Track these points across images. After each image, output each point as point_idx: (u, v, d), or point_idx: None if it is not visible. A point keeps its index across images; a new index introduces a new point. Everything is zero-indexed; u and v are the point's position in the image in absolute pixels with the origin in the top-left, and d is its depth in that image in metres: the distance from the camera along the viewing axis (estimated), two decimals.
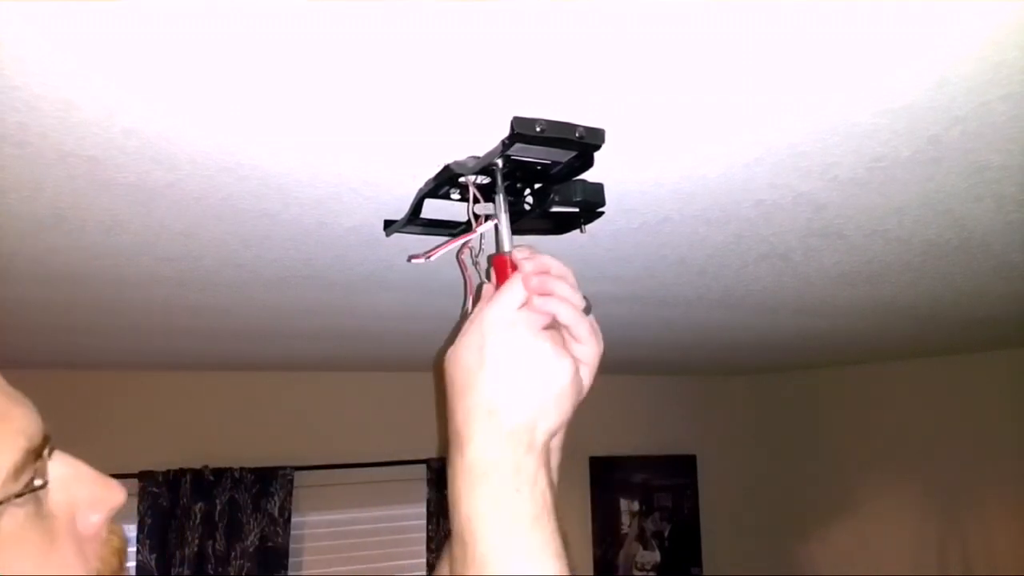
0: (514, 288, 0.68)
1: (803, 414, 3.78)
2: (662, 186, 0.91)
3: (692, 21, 0.55)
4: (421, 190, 0.86)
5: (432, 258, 0.87)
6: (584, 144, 0.70)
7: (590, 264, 1.31)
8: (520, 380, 0.64)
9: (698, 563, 3.86)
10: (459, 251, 0.87)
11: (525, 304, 0.68)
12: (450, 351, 0.69)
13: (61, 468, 0.50)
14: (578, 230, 0.90)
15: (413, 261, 0.91)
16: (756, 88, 0.66)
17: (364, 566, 3.14)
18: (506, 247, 0.75)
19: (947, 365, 3.04)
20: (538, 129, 0.67)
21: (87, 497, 0.51)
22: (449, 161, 0.79)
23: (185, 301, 1.53)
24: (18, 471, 0.46)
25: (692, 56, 0.60)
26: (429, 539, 3.20)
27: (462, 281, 0.85)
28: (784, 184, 0.91)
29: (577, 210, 0.86)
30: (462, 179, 0.79)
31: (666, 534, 3.83)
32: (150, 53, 0.58)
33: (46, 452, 0.49)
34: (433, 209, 0.88)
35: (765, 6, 0.53)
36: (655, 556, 3.78)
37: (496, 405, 0.64)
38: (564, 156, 0.73)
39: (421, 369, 3.31)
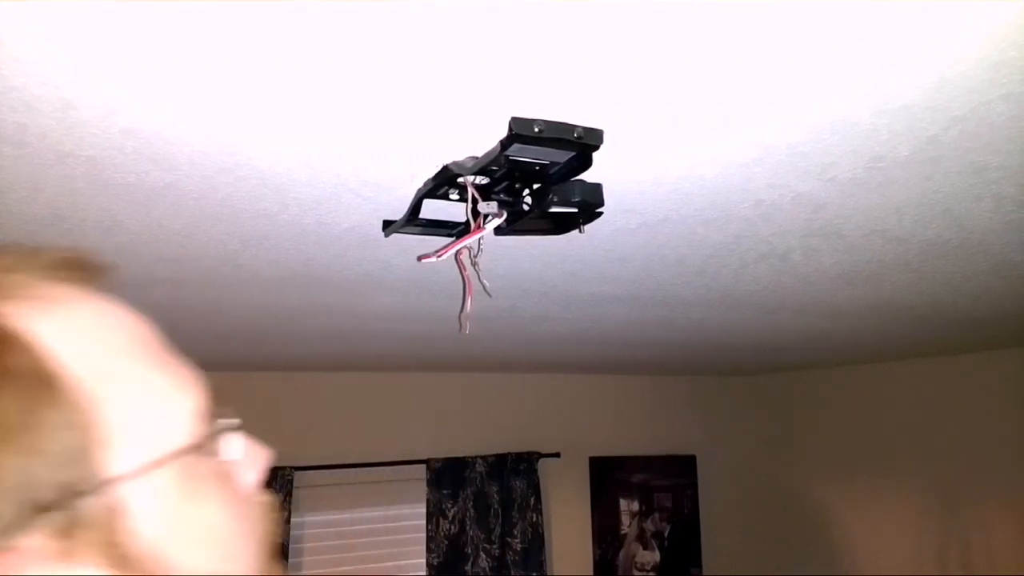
0: None
1: (803, 414, 3.78)
2: (661, 186, 0.91)
3: (691, 22, 0.55)
4: (420, 190, 0.86)
5: (442, 257, 0.87)
6: (582, 144, 0.70)
7: (589, 264, 1.31)
8: None
9: (698, 563, 3.86)
10: (458, 251, 0.87)
11: None
12: None
13: None
14: (577, 230, 0.90)
15: (423, 260, 0.91)
16: (754, 88, 0.66)
17: (363, 566, 3.14)
18: None
19: (946, 365, 3.04)
20: (536, 130, 0.67)
21: (244, 455, 0.49)
22: (448, 161, 0.79)
23: (183, 302, 1.53)
24: (205, 415, 0.44)
25: (690, 56, 0.60)
26: (428, 539, 3.20)
27: (461, 281, 0.85)
28: (783, 184, 0.91)
29: (576, 210, 0.86)
30: (461, 179, 0.79)
31: (666, 534, 3.83)
32: (149, 54, 0.58)
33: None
34: (432, 209, 0.88)
35: (763, 7, 0.53)
36: (655, 556, 3.78)
37: None
38: (562, 156, 0.73)
39: (420, 369, 3.31)
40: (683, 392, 4.00)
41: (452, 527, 3.23)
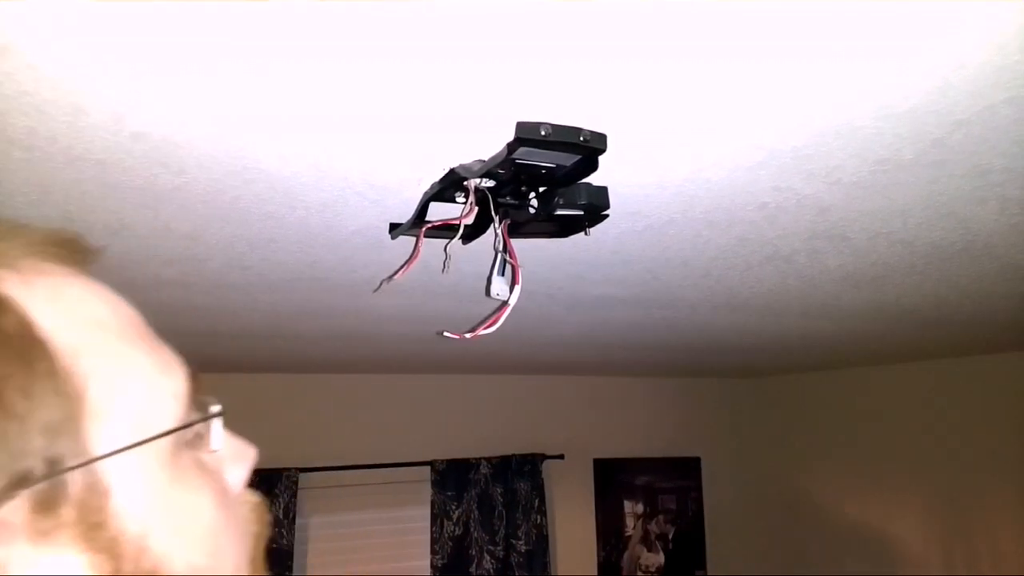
0: None
1: (807, 416, 3.77)
2: (666, 189, 0.91)
3: (696, 25, 0.55)
4: (427, 193, 0.86)
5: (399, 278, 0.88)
6: (589, 148, 0.70)
7: (594, 267, 1.31)
8: None
9: (702, 565, 3.85)
10: (425, 230, 0.88)
11: None
12: None
13: None
14: (582, 233, 0.90)
15: (384, 285, 0.93)
16: (759, 91, 0.66)
17: (368, 567, 3.14)
18: None
19: (951, 367, 3.03)
20: (543, 133, 0.67)
21: (229, 452, 0.45)
22: (454, 164, 0.79)
23: (190, 303, 1.54)
24: (190, 401, 0.41)
25: (695, 59, 0.60)
26: (433, 540, 3.21)
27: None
28: (787, 187, 0.92)
29: (582, 213, 0.86)
30: (466, 182, 0.80)
31: (670, 536, 3.82)
32: (159, 58, 0.58)
33: None
34: (438, 212, 0.89)
35: (768, 11, 0.54)
36: (659, 558, 3.77)
37: None
38: (569, 160, 0.73)
39: (425, 371, 3.31)
40: (687, 394, 3.99)
41: (456, 529, 3.24)
